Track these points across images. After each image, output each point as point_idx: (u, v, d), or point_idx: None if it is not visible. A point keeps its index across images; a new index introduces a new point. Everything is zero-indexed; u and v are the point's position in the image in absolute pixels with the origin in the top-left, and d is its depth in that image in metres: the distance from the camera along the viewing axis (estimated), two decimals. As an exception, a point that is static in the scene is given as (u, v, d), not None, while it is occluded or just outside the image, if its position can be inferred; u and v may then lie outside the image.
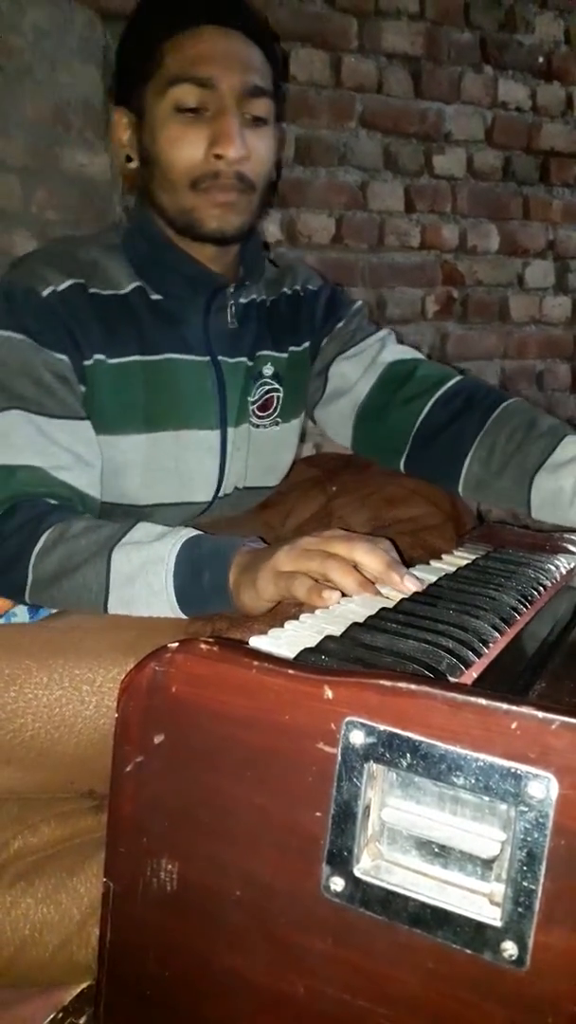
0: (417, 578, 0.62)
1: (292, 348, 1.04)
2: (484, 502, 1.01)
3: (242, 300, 0.96)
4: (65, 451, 0.82)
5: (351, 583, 0.61)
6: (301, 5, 1.75)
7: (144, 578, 0.72)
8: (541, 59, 2.05)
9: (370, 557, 0.62)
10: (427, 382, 1.02)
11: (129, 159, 0.91)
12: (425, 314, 2.00)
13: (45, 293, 0.84)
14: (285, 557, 0.64)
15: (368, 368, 1.04)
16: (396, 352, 1.06)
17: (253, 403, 0.99)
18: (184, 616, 0.73)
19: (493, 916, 0.36)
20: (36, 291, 0.84)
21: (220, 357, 0.95)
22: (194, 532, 0.75)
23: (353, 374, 1.05)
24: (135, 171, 0.91)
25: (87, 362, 0.86)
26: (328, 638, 0.48)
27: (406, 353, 1.07)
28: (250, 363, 0.98)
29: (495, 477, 0.96)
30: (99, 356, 0.87)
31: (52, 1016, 0.61)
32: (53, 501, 0.79)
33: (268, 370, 1.00)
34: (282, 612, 0.65)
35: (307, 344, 1.06)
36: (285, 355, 1.02)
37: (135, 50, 0.87)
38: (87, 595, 0.73)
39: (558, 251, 2.15)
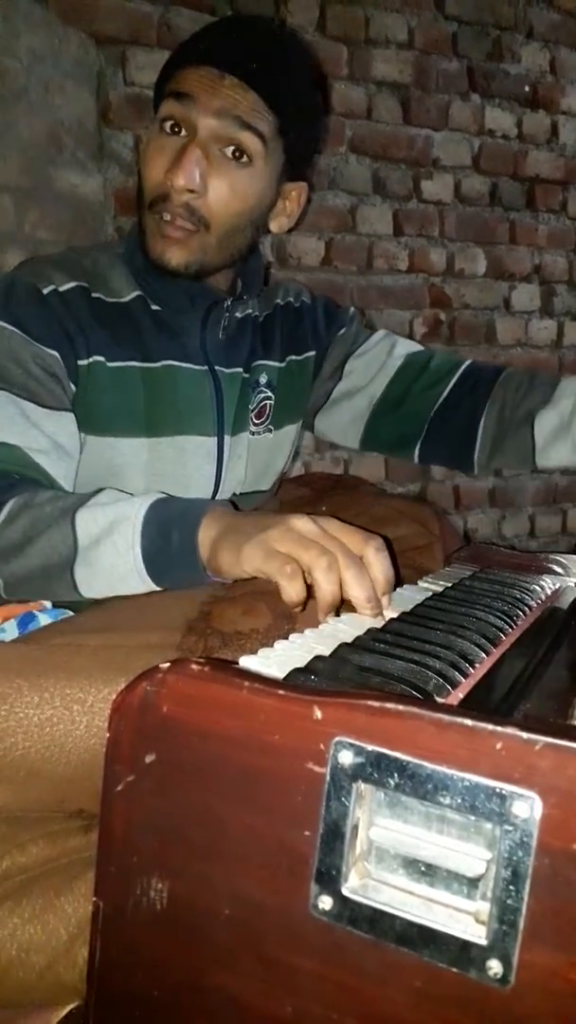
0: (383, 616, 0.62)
1: (292, 358, 1.07)
2: (499, 464, 1.07)
3: (237, 314, 0.99)
4: (46, 437, 0.83)
5: (328, 596, 0.61)
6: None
7: (110, 538, 0.70)
8: (527, 88, 2.10)
9: (357, 583, 0.62)
10: (441, 371, 1.08)
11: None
12: (413, 336, 2.02)
13: (46, 291, 0.86)
14: (280, 537, 0.64)
15: (384, 363, 1.09)
16: (408, 346, 1.11)
17: (252, 411, 1.02)
18: (150, 581, 0.71)
19: (479, 935, 0.36)
20: (37, 288, 0.86)
21: (217, 367, 0.96)
22: (163, 494, 0.74)
23: (369, 370, 1.09)
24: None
25: (82, 361, 0.87)
26: (317, 658, 0.49)
27: (416, 346, 1.12)
28: (246, 374, 1.00)
29: (505, 432, 1.02)
30: (98, 357, 0.88)
31: (38, 1038, 0.60)
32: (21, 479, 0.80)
33: (264, 379, 1.03)
34: (274, 630, 0.65)
35: (312, 354, 1.09)
36: (281, 364, 1.05)
37: (160, 76, 0.90)
38: (55, 559, 0.72)
39: (544, 275, 2.18)
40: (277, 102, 0.85)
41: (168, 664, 0.43)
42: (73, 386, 0.87)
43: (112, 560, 0.71)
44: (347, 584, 0.62)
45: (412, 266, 2.00)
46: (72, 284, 0.88)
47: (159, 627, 0.68)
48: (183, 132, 0.84)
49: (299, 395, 1.09)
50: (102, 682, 0.61)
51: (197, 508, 0.71)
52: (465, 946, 0.36)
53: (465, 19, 1.99)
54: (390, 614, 0.63)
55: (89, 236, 1.62)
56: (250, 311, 1.02)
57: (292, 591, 0.62)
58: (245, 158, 0.84)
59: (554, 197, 2.17)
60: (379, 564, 0.64)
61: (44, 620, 0.81)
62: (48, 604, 0.84)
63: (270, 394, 1.04)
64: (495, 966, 0.36)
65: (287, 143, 0.88)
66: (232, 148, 0.84)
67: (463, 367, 1.08)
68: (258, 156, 0.85)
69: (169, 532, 0.69)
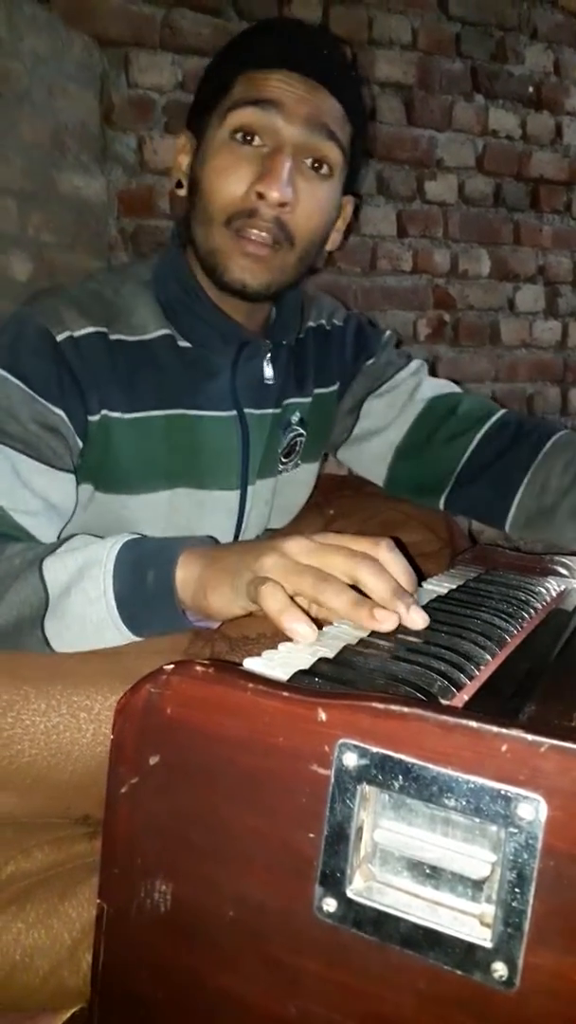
0: (422, 610, 0.55)
1: (318, 391, 1.00)
2: (535, 539, 1.00)
3: (270, 344, 0.92)
4: (36, 496, 0.76)
5: (346, 605, 0.54)
6: (295, 35, 1.78)
7: (80, 584, 0.64)
8: (531, 89, 2.10)
9: (375, 580, 0.55)
10: (471, 418, 0.98)
11: (180, 185, 0.86)
12: (417, 337, 2.02)
13: (60, 338, 0.78)
14: (275, 565, 0.56)
15: (405, 406, 1.00)
16: (434, 387, 1.02)
17: (281, 452, 0.96)
18: (125, 629, 0.65)
19: (484, 937, 0.36)
20: (50, 335, 0.78)
21: (247, 409, 0.90)
22: (136, 534, 0.69)
23: (389, 412, 1.01)
24: (181, 199, 0.86)
25: (93, 417, 0.81)
26: (322, 660, 0.49)
27: (445, 388, 1.03)
28: (277, 411, 0.94)
29: (550, 513, 0.93)
30: (113, 413, 0.82)
31: (43, 1041, 0.61)
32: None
33: (295, 417, 0.97)
34: (281, 635, 0.65)
35: (336, 386, 1.02)
36: (310, 399, 0.99)
37: (210, 78, 0.83)
38: (27, 612, 0.66)
39: (548, 276, 2.18)
40: (353, 110, 0.81)
41: (172, 666, 0.43)
42: (80, 442, 0.81)
43: (83, 608, 0.64)
44: (364, 583, 0.55)
45: (416, 267, 2.00)
46: (89, 329, 0.80)
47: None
48: (257, 141, 0.77)
49: (325, 428, 1.03)
50: (108, 689, 0.60)
51: (174, 544, 0.65)
52: (470, 948, 0.36)
53: (469, 20, 1.99)
54: (419, 618, 0.56)
55: (92, 239, 1.62)
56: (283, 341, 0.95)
57: (290, 630, 0.54)
58: (326, 169, 0.80)
59: (558, 198, 2.17)
60: (396, 564, 0.59)
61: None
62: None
63: (302, 431, 0.98)
64: (500, 969, 0.35)
65: (353, 153, 0.84)
66: (312, 160, 0.79)
67: (495, 417, 0.97)
68: (337, 168, 0.81)
69: (144, 572, 0.63)
